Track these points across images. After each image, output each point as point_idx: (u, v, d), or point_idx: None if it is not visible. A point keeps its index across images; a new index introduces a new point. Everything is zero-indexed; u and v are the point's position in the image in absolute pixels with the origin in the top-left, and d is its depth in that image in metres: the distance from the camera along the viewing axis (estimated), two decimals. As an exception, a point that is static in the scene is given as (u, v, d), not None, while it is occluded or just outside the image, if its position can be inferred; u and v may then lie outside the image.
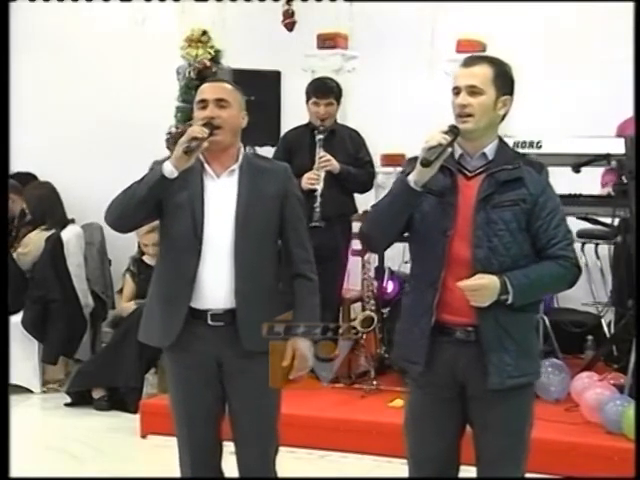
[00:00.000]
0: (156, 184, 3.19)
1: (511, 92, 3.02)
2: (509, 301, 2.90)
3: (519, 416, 3.02)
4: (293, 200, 3.36)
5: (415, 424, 3.12)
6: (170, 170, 3.17)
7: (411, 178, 2.93)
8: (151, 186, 3.19)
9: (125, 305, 6.25)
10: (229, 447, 3.41)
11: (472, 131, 2.97)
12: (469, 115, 2.94)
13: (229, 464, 3.42)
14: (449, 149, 2.94)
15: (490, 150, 3.01)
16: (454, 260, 2.95)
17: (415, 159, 2.97)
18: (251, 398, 3.29)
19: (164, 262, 3.36)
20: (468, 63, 2.99)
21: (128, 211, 3.25)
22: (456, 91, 2.98)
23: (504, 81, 2.99)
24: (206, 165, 3.31)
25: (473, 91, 2.94)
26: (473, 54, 3.06)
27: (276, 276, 3.37)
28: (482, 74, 2.95)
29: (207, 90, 3.33)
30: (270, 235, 3.31)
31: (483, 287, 2.88)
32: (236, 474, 3.41)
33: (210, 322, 3.24)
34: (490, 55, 3.05)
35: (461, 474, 3.17)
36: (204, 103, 3.29)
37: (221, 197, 3.28)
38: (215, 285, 3.23)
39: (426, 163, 2.88)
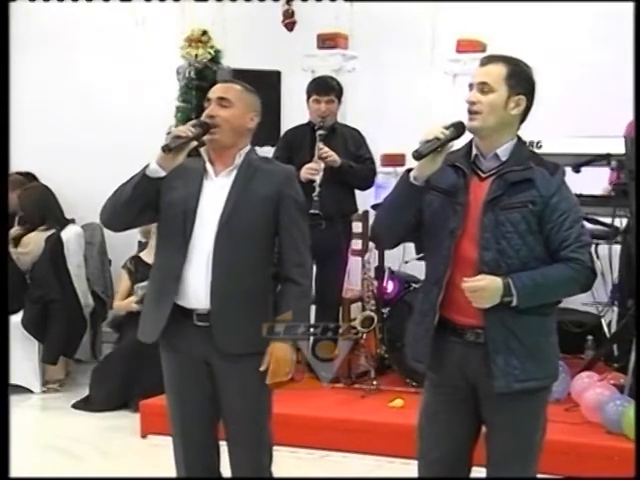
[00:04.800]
0: (139, 183, 3.18)
1: (527, 92, 2.98)
2: (513, 303, 2.86)
3: (528, 420, 2.98)
4: (289, 203, 3.30)
5: (427, 424, 3.09)
6: (155, 169, 3.16)
7: (412, 173, 2.93)
8: (135, 185, 3.19)
9: (117, 304, 6.22)
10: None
11: (479, 129, 2.94)
12: (477, 112, 2.92)
13: (227, 464, 3.42)
14: (449, 145, 2.92)
15: (504, 151, 2.97)
16: (461, 260, 2.93)
17: None
18: (237, 399, 3.28)
19: (157, 260, 3.38)
20: (484, 61, 2.99)
21: (117, 211, 3.26)
22: (470, 88, 2.97)
23: (518, 80, 2.95)
24: (207, 164, 3.31)
25: (484, 89, 2.93)
26: (492, 53, 3.04)
27: (262, 278, 3.32)
28: (495, 72, 2.93)
29: (213, 90, 3.35)
30: (257, 237, 3.28)
31: (481, 289, 2.85)
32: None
33: (196, 322, 3.24)
34: (510, 55, 3.03)
35: (473, 475, 3.15)
36: (209, 102, 3.31)
37: (214, 197, 3.27)
38: (198, 285, 3.23)
39: (417, 156, 2.87)
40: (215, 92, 3.32)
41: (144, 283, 6.03)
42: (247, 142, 3.36)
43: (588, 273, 2.94)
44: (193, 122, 3.24)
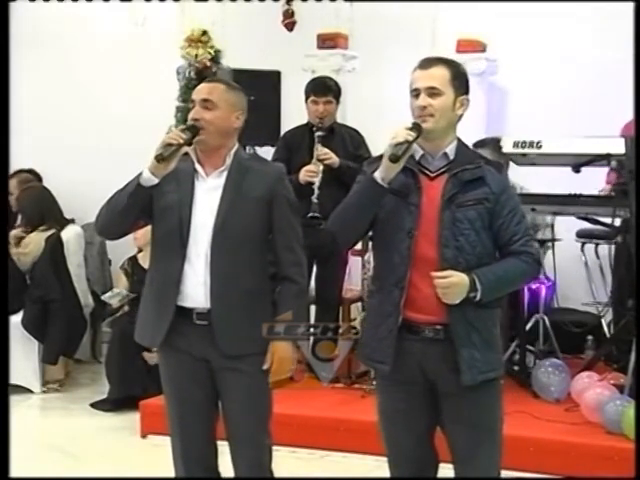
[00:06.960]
0: (134, 193, 3.18)
1: (467, 93, 3.06)
2: (477, 298, 2.94)
3: (490, 411, 3.05)
4: (282, 202, 3.31)
5: (387, 423, 3.14)
6: (148, 177, 3.16)
7: (377, 175, 2.97)
8: (130, 194, 3.19)
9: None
10: (225, 447, 3.40)
11: (432, 131, 3.00)
12: (430, 115, 2.98)
13: (225, 464, 3.42)
14: (413, 146, 2.98)
15: (451, 150, 3.05)
16: (420, 259, 2.98)
17: (376, 160, 3.03)
18: (238, 397, 3.29)
19: (155, 263, 3.37)
20: (425, 65, 3.04)
21: (113, 220, 3.28)
22: (415, 93, 3.02)
23: (461, 82, 3.04)
24: (197, 166, 3.30)
25: (432, 92, 2.99)
26: (428, 56, 3.08)
27: (260, 278, 3.32)
28: (440, 75, 3.01)
29: (197, 90, 3.33)
30: (253, 238, 3.28)
31: (454, 285, 2.92)
32: (232, 474, 3.41)
33: (196, 321, 3.24)
34: (444, 57, 3.09)
35: (441, 471, 3.18)
36: (192, 104, 3.30)
37: (207, 198, 3.27)
38: (197, 286, 3.23)
39: (395, 159, 2.92)
40: (199, 93, 3.30)
41: (109, 293, 6.06)
42: (235, 141, 3.35)
43: (537, 265, 3.10)
44: (182, 127, 3.24)
